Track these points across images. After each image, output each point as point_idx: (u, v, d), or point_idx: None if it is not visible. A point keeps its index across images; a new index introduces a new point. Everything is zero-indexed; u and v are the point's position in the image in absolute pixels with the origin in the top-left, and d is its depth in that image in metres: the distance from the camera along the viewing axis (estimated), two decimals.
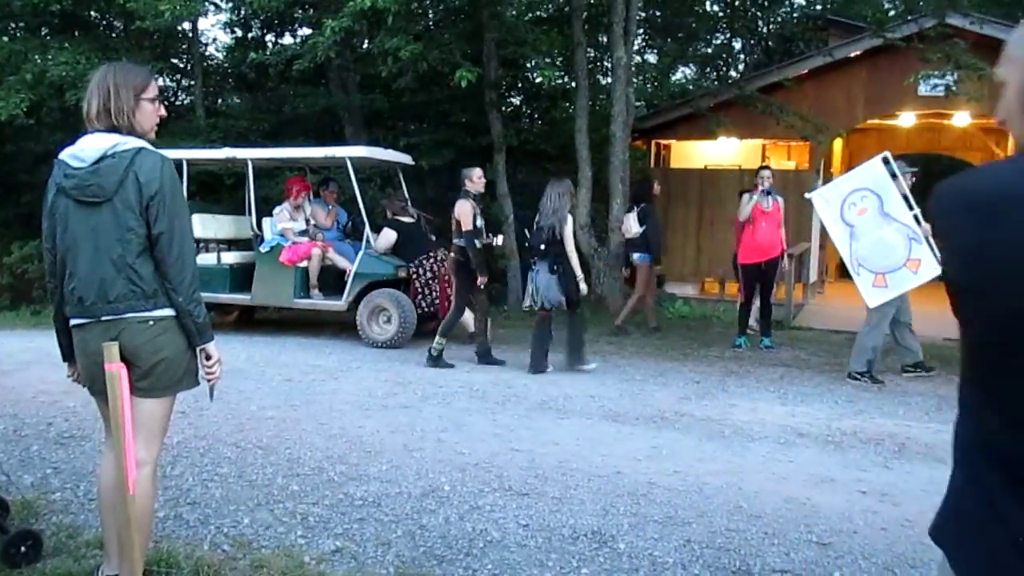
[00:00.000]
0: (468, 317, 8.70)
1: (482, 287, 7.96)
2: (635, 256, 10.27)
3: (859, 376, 7.38)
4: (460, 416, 5.98)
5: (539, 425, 5.78)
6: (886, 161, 7.18)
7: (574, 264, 7.56)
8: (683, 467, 4.84)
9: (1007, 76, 1.33)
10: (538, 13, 13.83)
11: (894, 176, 7.11)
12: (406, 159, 10.39)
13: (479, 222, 7.92)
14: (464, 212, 7.76)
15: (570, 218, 7.58)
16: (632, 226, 10.23)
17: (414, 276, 9.07)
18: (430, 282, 9.03)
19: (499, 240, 8.52)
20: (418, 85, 13.26)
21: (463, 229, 7.75)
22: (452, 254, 7.95)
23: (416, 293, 9.03)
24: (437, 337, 7.89)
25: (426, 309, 9.05)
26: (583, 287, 7.68)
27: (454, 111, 14.38)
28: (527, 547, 3.62)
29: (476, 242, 7.78)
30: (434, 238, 9.50)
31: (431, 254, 9.19)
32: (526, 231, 8.19)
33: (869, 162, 7.31)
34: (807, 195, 7.82)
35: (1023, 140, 1.31)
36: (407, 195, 10.19)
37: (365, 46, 13.19)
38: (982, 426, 1.29)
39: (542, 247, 7.57)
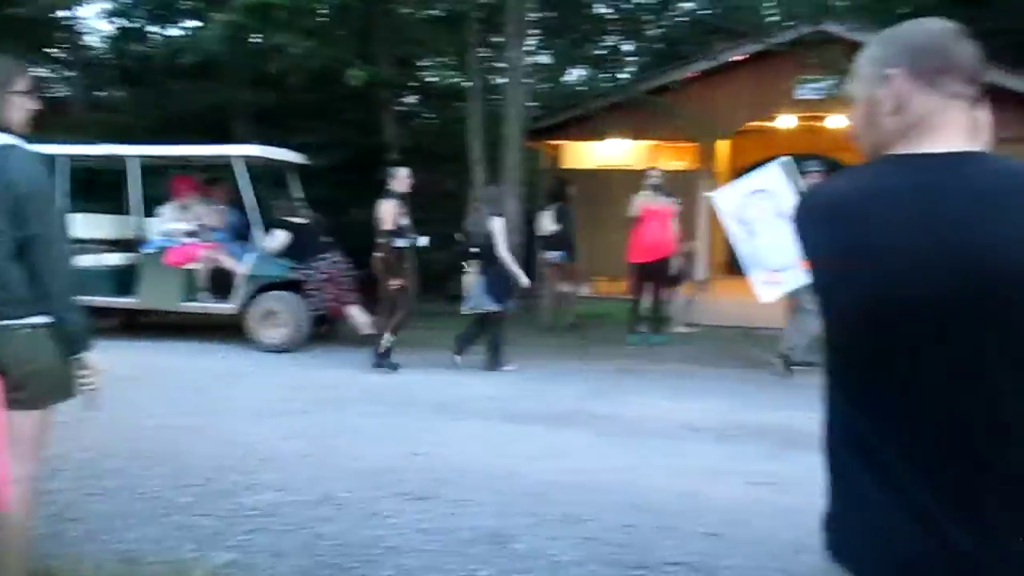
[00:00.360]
0: (362, 319, 8.60)
1: (392, 288, 7.83)
2: (550, 254, 10.46)
3: (781, 358, 7.66)
4: (356, 420, 5.90)
5: (436, 427, 5.75)
6: (785, 164, 7.44)
7: (509, 265, 7.78)
8: (580, 465, 4.90)
9: (856, 93, 1.41)
10: (432, 12, 13.75)
11: (792, 179, 7.36)
12: (298, 158, 10.18)
13: (404, 222, 7.85)
14: (385, 212, 7.70)
15: (499, 221, 7.78)
16: (548, 224, 10.43)
17: (307, 278, 8.89)
18: (323, 284, 8.87)
19: (424, 241, 8.43)
20: (310, 82, 13.01)
21: (382, 228, 7.69)
22: (382, 254, 7.81)
23: (309, 296, 8.85)
24: (386, 334, 7.77)
25: (319, 312, 8.88)
26: (523, 280, 7.93)
27: (347, 110, 14.17)
28: (425, 552, 3.59)
29: (398, 242, 7.72)
30: (327, 239, 9.33)
31: (324, 256, 9.02)
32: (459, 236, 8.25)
33: (769, 165, 7.57)
34: (708, 194, 8.04)
35: (872, 155, 1.39)
36: (299, 195, 9.98)
37: (255, 41, 12.83)
38: (846, 423, 1.35)
39: (474, 251, 7.78)
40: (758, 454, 5.20)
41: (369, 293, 8.89)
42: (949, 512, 1.22)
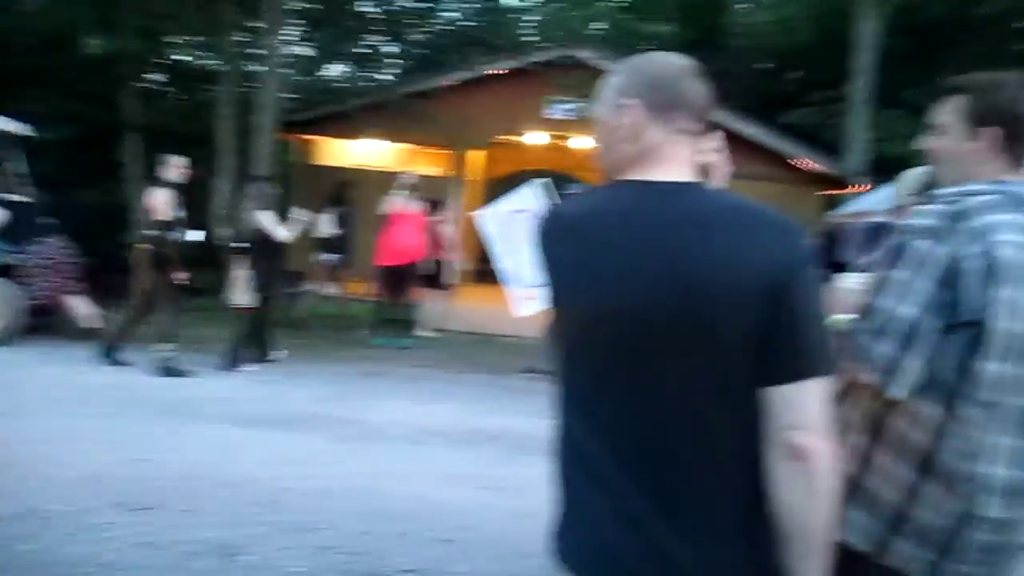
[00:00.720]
0: (85, 311, 7.95)
1: (164, 284, 7.22)
2: (324, 256, 10.66)
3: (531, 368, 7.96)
4: (73, 424, 5.42)
5: (164, 431, 5.42)
6: (543, 185, 7.77)
7: (285, 236, 7.70)
8: (317, 471, 4.83)
9: (598, 118, 1.51)
10: None
11: (551, 199, 7.69)
12: (21, 129, 9.20)
13: (179, 214, 7.27)
14: (156, 201, 7.11)
15: (268, 215, 7.62)
16: (325, 226, 10.37)
17: (23, 263, 8.06)
18: (43, 271, 8.08)
19: (196, 235, 7.87)
20: (41, 46, 11.81)
21: (153, 219, 7.10)
22: (148, 247, 7.16)
23: (25, 283, 8.02)
24: (158, 345, 7.07)
25: (37, 302, 8.07)
26: (299, 223, 7.92)
27: (83, 81, 13.00)
28: (145, 568, 3.38)
29: (169, 235, 7.14)
30: (50, 221, 8.51)
31: (45, 239, 8.22)
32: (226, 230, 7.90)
33: (528, 185, 7.88)
34: (473, 213, 8.24)
35: (611, 174, 1.49)
36: (20, 170, 9.04)
37: None
38: (571, 431, 1.45)
39: (241, 246, 7.61)
40: (492, 459, 5.38)
41: (98, 283, 8.24)
42: (656, 515, 1.33)
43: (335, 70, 19.52)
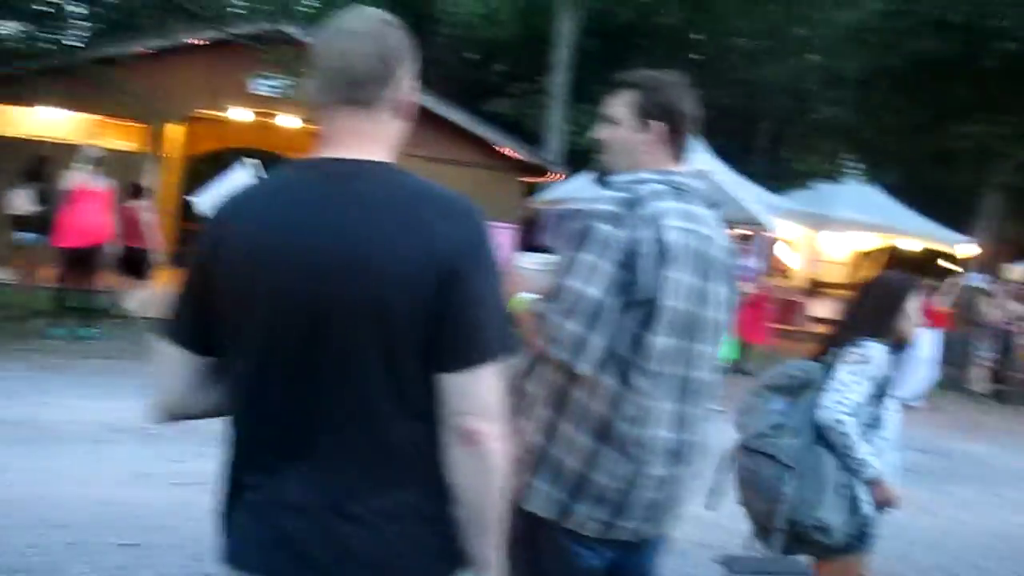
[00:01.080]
0: None
1: None
2: (22, 235, 9.85)
3: None
4: None
5: None
6: (255, 165, 7.49)
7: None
8: None
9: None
10: None
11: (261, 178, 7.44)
12: None
13: None
14: None
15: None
16: (23, 204, 9.30)
17: None
18: None
19: None
20: None
21: None
22: None
23: None
24: None
25: None
26: None
27: None
28: None
29: None
30: None
31: None
32: None
33: (240, 164, 7.56)
34: (191, 198, 7.79)
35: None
36: None
37: None
38: (236, 419, 1.41)
39: None
40: (187, 452, 5.03)
41: None
42: (329, 504, 1.30)
43: (8, 27, 17.39)
